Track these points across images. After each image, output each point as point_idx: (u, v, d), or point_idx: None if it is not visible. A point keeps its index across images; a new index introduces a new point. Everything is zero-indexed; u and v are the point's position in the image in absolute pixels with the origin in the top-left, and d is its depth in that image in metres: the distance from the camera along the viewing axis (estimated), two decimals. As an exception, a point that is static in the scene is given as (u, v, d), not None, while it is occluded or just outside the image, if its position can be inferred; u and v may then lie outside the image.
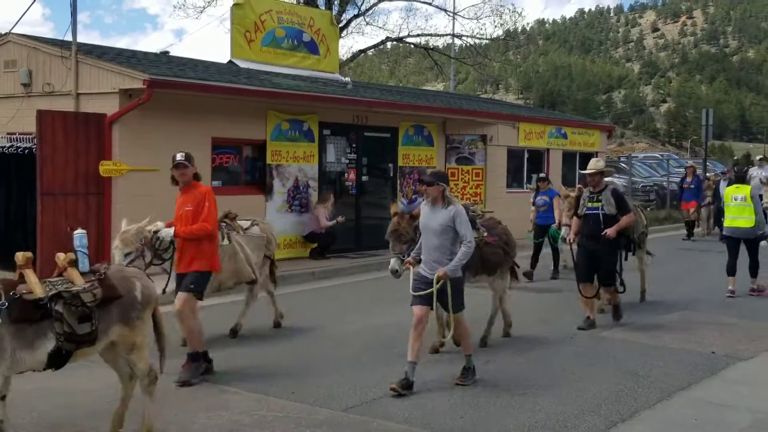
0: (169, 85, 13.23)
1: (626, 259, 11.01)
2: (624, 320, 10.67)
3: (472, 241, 7.25)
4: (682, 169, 26.46)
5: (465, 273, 8.18)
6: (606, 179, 10.42)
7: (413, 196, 18.48)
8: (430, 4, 33.47)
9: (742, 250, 12.68)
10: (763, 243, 12.94)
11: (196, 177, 7.70)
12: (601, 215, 9.93)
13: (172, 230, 7.70)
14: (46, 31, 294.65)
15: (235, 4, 18.10)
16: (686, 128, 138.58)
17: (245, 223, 9.69)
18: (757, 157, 25.35)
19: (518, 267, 9.73)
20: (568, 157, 23.47)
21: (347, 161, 17.21)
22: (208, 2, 31.25)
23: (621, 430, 6.42)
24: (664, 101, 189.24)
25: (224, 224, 9.06)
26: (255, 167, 15.61)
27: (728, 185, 14.53)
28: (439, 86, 74.29)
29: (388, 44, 36.75)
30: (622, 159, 34.19)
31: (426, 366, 8.13)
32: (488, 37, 34.67)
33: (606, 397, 7.19)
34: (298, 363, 8.27)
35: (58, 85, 13.90)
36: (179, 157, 7.55)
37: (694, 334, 9.91)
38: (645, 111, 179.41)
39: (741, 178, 13.42)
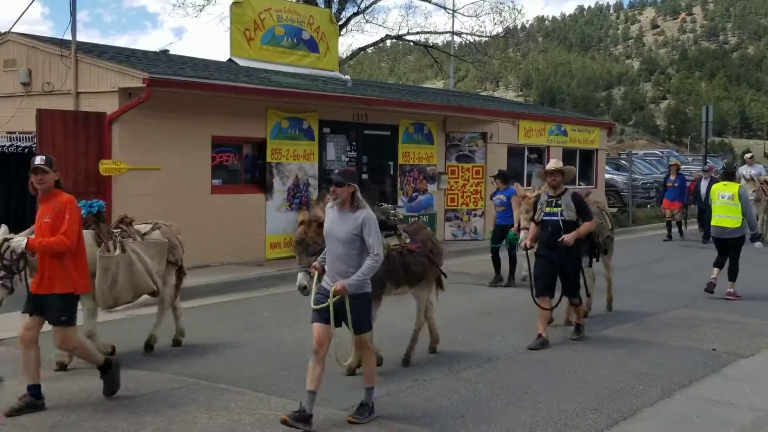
0: (169, 84, 13.22)
1: (590, 265, 10.17)
2: (624, 318, 10.66)
3: (380, 254, 6.33)
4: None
5: (386, 284, 7.64)
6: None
7: (413, 194, 18.48)
8: (429, 1, 33.43)
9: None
10: (758, 244, 12.47)
11: (58, 184, 6.74)
12: (560, 221, 9.00)
13: (24, 240, 6.56)
14: (45, 30, 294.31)
15: (234, 3, 18.07)
16: (686, 125, 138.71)
17: (145, 228, 8.65)
18: (747, 155, 24.75)
19: (445, 276, 8.65)
20: (569, 155, 23.44)
21: (347, 159, 17.19)
22: (208, 0, 31.29)
23: (622, 428, 6.42)
24: (664, 98, 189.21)
25: (118, 231, 8.15)
26: (255, 166, 15.59)
27: (710, 184, 14.03)
28: (439, 84, 74.18)
29: (388, 42, 36.84)
30: (622, 156, 34.14)
31: (426, 364, 8.14)
32: (488, 34, 34.65)
33: (607, 395, 7.19)
34: (299, 362, 8.24)
35: (57, 84, 13.90)
36: (38, 160, 6.61)
37: (695, 331, 9.91)
38: (645, 108, 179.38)
39: (730, 175, 12.78)
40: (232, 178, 15.16)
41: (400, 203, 18.11)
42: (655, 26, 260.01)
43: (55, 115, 12.74)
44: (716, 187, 12.52)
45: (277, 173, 15.55)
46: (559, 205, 9.05)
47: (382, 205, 8.03)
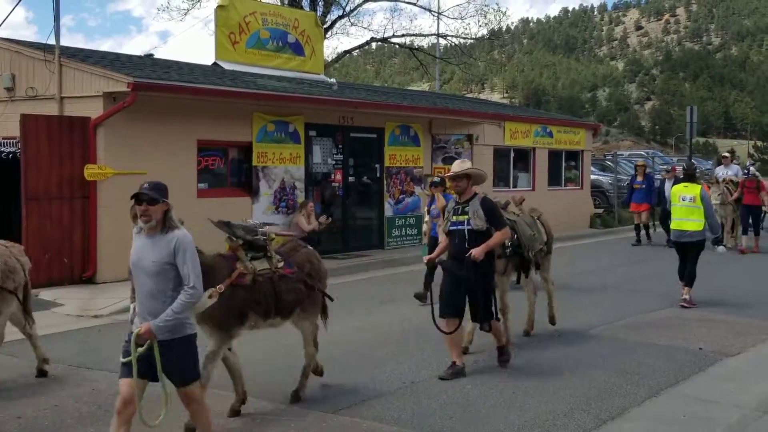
0: (154, 88, 13.17)
1: (518, 282, 9.46)
2: (611, 317, 10.69)
3: (197, 287, 5.14)
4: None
5: (249, 316, 6.53)
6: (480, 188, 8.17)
7: (400, 196, 18.49)
8: (414, 4, 33.49)
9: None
10: (720, 248, 12.12)
11: None
12: (466, 231, 7.81)
13: None
14: (29, 35, 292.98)
15: (219, 6, 18.05)
16: (671, 126, 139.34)
17: None
18: (722, 154, 24.35)
19: (332, 299, 7.50)
20: (554, 156, 23.54)
21: (333, 162, 17.18)
22: (193, 4, 31.24)
23: (610, 428, 6.44)
24: (649, 99, 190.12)
25: None
26: (241, 169, 15.56)
27: (674, 184, 13.43)
28: (425, 86, 74.18)
29: (373, 45, 36.83)
30: (607, 157, 34.32)
31: (415, 366, 8.14)
32: (473, 36, 34.74)
33: (595, 395, 7.21)
34: (287, 365, 8.24)
35: (41, 89, 13.82)
36: None
37: (681, 330, 9.96)
38: (630, 109, 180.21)
39: (691, 176, 12.07)
40: (218, 182, 15.12)
41: (387, 205, 18.13)
42: (639, 27, 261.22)
43: (39, 120, 12.68)
44: (677, 189, 11.92)
45: (263, 177, 15.52)
46: (466, 213, 7.85)
47: (248, 221, 6.98)
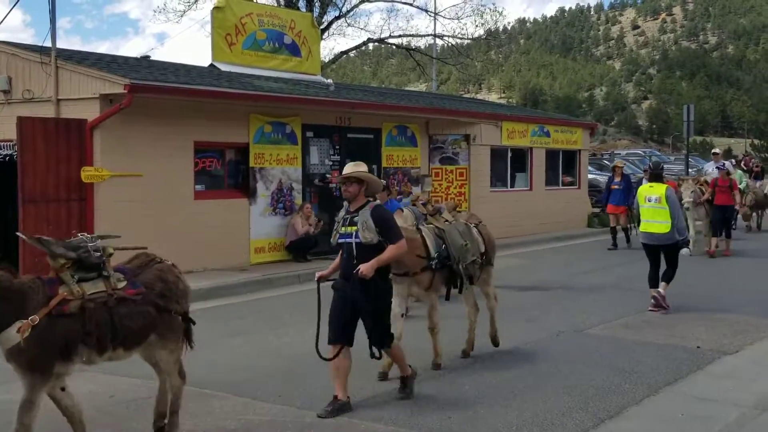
0: (150, 90, 13.17)
1: (447, 299, 8.34)
2: (609, 316, 10.69)
3: None
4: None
5: (76, 348, 5.45)
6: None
7: (398, 197, 18.47)
8: (411, 4, 33.56)
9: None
10: (684, 250, 11.75)
11: None
12: (354, 245, 6.86)
13: None
14: (26, 38, 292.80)
15: (215, 8, 18.03)
16: (668, 125, 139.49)
17: None
18: (712, 151, 23.97)
19: (193, 323, 6.36)
20: (552, 156, 23.55)
21: (331, 163, 17.17)
22: (189, 6, 31.26)
23: (608, 427, 6.44)
24: (646, 98, 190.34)
25: None
26: (238, 170, 15.56)
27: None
28: (422, 87, 74.19)
29: (370, 45, 36.83)
30: (605, 156, 34.36)
31: (413, 366, 8.13)
32: (469, 36, 34.77)
33: (593, 394, 7.20)
34: (284, 366, 8.25)
35: (38, 92, 13.80)
36: None
37: (679, 329, 9.96)
38: (627, 108, 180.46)
39: (657, 176, 11.66)
40: (216, 184, 15.12)
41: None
42: (635, 27, 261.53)
43: (35, 123, 12.66)
44: (642, 189, 11.59)
45: (260, 178, 15.52)
46: (355, 224, 6.87)
47: (77, 235, 5.92)
